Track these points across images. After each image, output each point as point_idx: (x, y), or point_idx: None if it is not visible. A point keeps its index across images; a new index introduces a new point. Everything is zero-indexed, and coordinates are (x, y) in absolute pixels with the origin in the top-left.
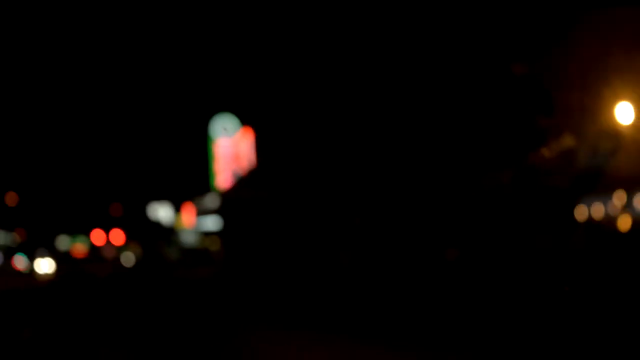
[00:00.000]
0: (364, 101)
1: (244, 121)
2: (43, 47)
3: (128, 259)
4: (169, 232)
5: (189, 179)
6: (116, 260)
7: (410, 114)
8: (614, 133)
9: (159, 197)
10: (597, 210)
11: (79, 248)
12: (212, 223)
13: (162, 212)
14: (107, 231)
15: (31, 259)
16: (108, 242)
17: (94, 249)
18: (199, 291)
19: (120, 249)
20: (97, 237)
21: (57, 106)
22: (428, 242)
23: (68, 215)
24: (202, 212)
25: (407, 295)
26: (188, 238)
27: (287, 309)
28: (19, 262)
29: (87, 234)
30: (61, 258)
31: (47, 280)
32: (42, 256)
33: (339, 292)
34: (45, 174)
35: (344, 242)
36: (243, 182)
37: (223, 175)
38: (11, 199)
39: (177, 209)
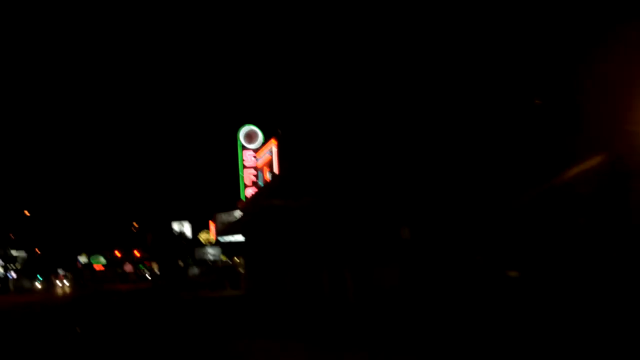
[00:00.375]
0: (391, 110)
1: (269, 131)
2: (68, 64)
3: (148, 276)
4: (191, 249)
5: (220, 192)
6: (136, 278)
7: (448, 126)
8: None
9: (184, 214)
10: None
11: (98, 266)
12: (240, 237)
13: (184, 228)
14: (127, 249)
15: (50, 277)
16: (128, 260)
17: (113, 266)
18: (220, 315)
19: (140, 267)
20: (117, 255)
21: (79, 122)
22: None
23: (88, 233)
24: (228, 226)
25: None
26: (213, 255)
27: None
28: (36, 282)
29: (106, 252)
30: (81, 276)
31: (66, 297)
32: (61, 274)
33: (394, 313)
34: (64, 189)
35: (388, 256)
36: (265, 194)
37: (251, 187)
38: (29, 216)
39: (205, 224)
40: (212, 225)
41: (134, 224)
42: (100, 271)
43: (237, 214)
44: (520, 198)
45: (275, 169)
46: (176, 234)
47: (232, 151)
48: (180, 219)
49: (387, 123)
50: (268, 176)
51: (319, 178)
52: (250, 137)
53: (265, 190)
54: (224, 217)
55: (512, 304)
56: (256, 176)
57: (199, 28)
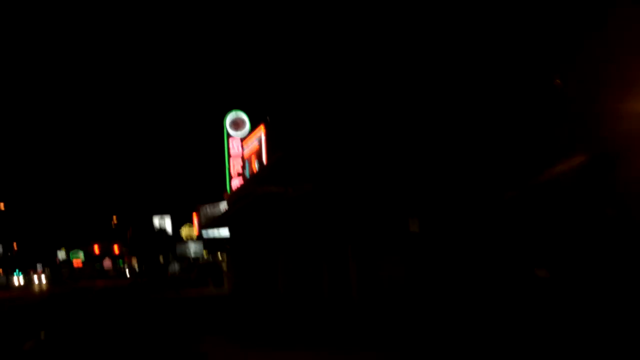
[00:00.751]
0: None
1: (257, 117)
2: (47, 54)
3: (127, 273)
4: (172, 245)
5: (204, 184)
6: (115, 274)
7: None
8: None
9: (165, 207)
10: None
11: (77, 262)
12: (225, 232)
13: (165, 223)
14: (106, 244)
15: (28, 272)
16: (107, 255)
17: (92, 262)
18: (202, 314)
19: (119, 263)
20: (96, 250)
21: (58, 114)
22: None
23: (67, 228)
24: (213, 220)
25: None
26: (195, 251)
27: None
28: (13, 278)
29: (86, 247)
30: (59, 272)
31: (40, 295)
32: (39, 270)
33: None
34: (42, 184)
35: (396, 249)
36: (253, 183)
37: (237, 178)
38: (4, 210)
39: (187, 218)
40: (195, 219)
41: (114, 218)
42: (79, 267)
43: (223, 206)
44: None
45: (264, 158)
46: (157, 229)
47: (217, 140)
48: (161, 212)
49: (392, 103)
50: (256, 166)
51: (318, 165)
52: (236, 124)
53: (253, 180)
54: (208, 209)
55: (524, 302)
56: (243, 167)
57: (182, 11)
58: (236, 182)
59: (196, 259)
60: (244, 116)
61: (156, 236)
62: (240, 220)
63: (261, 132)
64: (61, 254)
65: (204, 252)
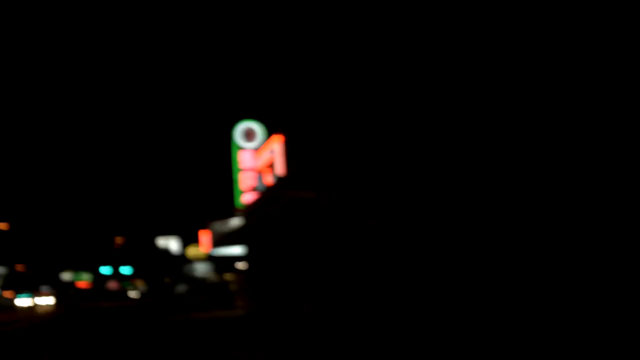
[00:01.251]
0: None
1: (272, 127)
2: (50, 66)
3: (133, 294)
4: (178, 266)
5: (211, 202)
6: (121, 296)
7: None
8: None
9: (170, 228)
10: None
11: (83, 283)
12: (236, 250)
13: (171, 244)
14: (112, 266)
15: (34, 294)
16: (113, 277)
17: (98, 284)
18: (217, 339)
19: (125, 285)
20: (102, 272)
21: (61, 133)
22: None
23: (73, 249)
24: (224, 237)
25: None
26: (202, 271)
27: None
28: (17, 299)
29: (91, 269)
30: (64, 293)
31: (48, 315)
32: (45, 291)
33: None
34: (48, 207)
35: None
36: (269, 196)
37: (249, 193)
38: (9, 231)
39: (193, 239)
40: (203, 237)
41: (118, 239)
42: (85, 289)
43: (233, 223)
44: None
45: (280, 169)
46: (162, 249)
47: (224, 155)
48: (166, 233)
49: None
50: (269, 179)
51: (348, 172)
52: (248, 135)
53: (270, 192)
54: (218, 226)
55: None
56: (254, 180)
57: (189, 18)
58: (248, 197)
59: (203, 280)
60: (256, 126)
61: (161, 257)
62: (260, 232)
63: (276, 141)
64: (67, 276)
65: (212, 273)
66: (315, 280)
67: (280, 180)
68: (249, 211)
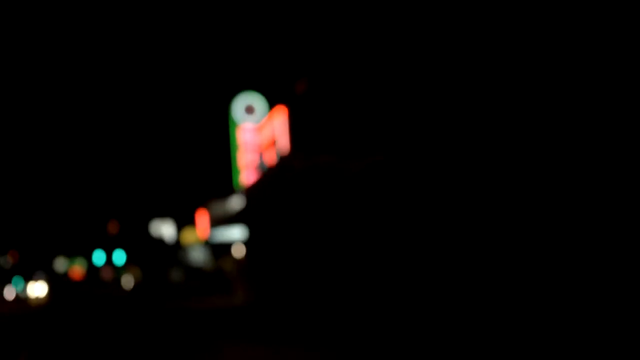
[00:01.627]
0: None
1: (273, 99)
2: (38, 64)
3: (127, 282)
4: (174, 251)
5: (207, 181)
6: (115, 284)
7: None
8: None
9: (165, 211)
10: None
11: (76, 270)
12: (236, 233)
13: (165, 228)
14: (105, 252)
15: (27, 281)
16: (106, 263)
17: (92, 271)
18: (219, 331)
19: (119, 271)
20: (95, 258)
21: (50, 118)
22: None
23: (65, 235)
24: (221, 219)
25: None
26: (199, 257)
27: None
28: (11, 290)
29: (85, 255)
30: (58, 281)
31: (41, 304)
32: (38, 279)
33: None
34: (39, 192)
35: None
36: (273, 175)
37: (249, 171)
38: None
39: (189, 222)
40: (201, 218)
41: (111, 225)
42: (77, 277)
43: (233, 202)
44: None
45: (283, 144)
46: (156, 234)
47: (221, 131)
48: (160, 216)
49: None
50: (271, 157)
51: (365, 139)
52: (248, 109)
53: (268, 173)
54: (216, 206)
55: None
56: (255, 157)
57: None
58: (248, 176)
59: (199, 267)
60: (256, 99)
61: (156, 242)
62: (264, 212)
63: (279, 114)
64: (60, 263)
65: (208, 259)
66: (332, 267)
67: (283, 156)
68: (250, 190)
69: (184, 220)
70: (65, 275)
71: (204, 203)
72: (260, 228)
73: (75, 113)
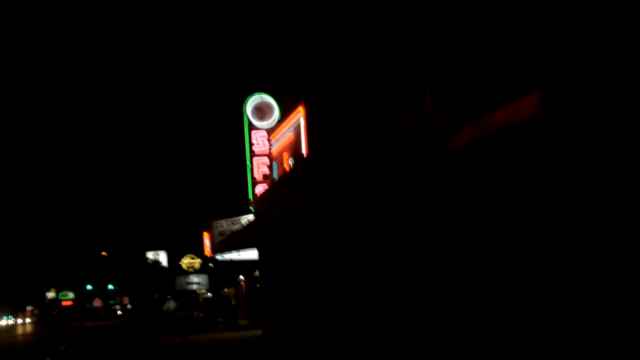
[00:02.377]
0: None
1: (291, 98)
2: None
3: (119, 312)
4: (168, 280)
5: (212, 197)
6: (106, 314)
7: None
8: None
9: (159, 240)
10: None
11: (67, 302)
12: (248, 254)
13: (160, 257)
14: (98, 283)
15: (17, 313)
16: (98, 294)
17: (83, 302)
18: None
19: (111, 302)
20: (86, 289)
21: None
22: None
23: (56, 267)
24: (230, 238)
25: None
26: (198, 284)
27: None
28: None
29: (77, 286)
30: (48, 312)
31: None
32: (29, 311)
33: None
34: (30, 220)
35: None
36: (288, 184)
37: (262, 184)
38: None
39: (185, 251)
40: (205, 239)
41: (104, 255)
42: (69, 307)
43: (245, 220)
44: None
45: (304, 148)
46: (150, 262)
47: (231, 139)
48: (156, 247)
49: None
50: (290, 163)
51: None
52: (261, 111)
53: (283, 182)
54: (225, 225)
55: None
56: (270, 166)
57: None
58: (261, 189)
59: (199, 295)
60: (270, 100)
61: (150, 271)
62: (287, 226)
63: (299, 115)
64: (51, 295)
65: (209, 287)
66: (388, 290)
67: (303, 160)
68: (266, 202)
69: (182, 249)
70: (55, 306)
71: (210, 220)
72: (278, 247)
73: (67, 139)
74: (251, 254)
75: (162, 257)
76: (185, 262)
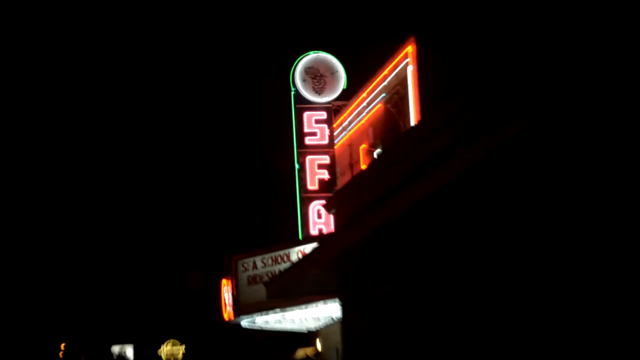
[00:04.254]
0: None
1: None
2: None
3: None
4: None
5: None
6: None
7: None
8: None
9: (128, 334)
10: None
11: None
12: (307, 314)
13: (127, 352)
14: None
15: None
16: None
17: None
18: None
19: None
20: None
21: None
22: None
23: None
24: (276, 284)
25: None
26: None
27: None
28: None
29: None
30: None
31: None
32: None
33: None
34: None
35: None
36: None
37: (320, 199)
38: None
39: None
40: (225, 291)
41: (62, 347)
42: None
43: (298, 253)
44: None
45: (414, 116)
46: (115, 356)
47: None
48: (123, 340)
49: None
50: (375, 156)
51: None
52: (318, 77)
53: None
54: (260, 264)
55: None
56: (329, 168)
57: None
58: (318, 206)
59: None
60: (333, 61)
61: None
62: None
63: (405, 62)
64: None
65: None
66: None
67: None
68: (341, 219)
69: (157, 338)
70: None
71: (230, 258)
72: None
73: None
74: (303, 316)
75: (129, 352)
76: (166, 350)
